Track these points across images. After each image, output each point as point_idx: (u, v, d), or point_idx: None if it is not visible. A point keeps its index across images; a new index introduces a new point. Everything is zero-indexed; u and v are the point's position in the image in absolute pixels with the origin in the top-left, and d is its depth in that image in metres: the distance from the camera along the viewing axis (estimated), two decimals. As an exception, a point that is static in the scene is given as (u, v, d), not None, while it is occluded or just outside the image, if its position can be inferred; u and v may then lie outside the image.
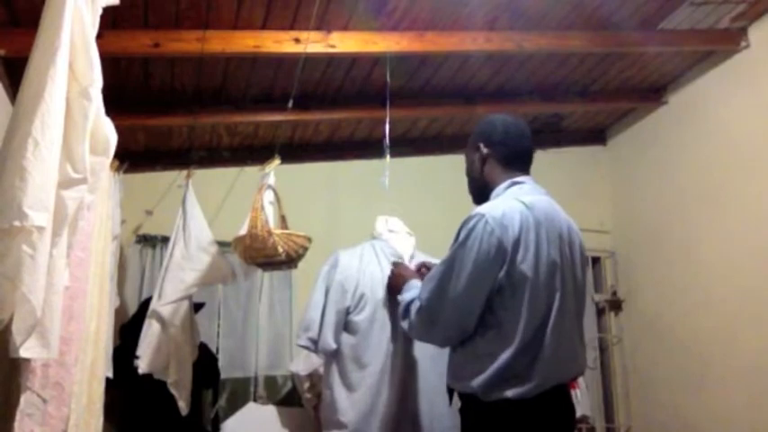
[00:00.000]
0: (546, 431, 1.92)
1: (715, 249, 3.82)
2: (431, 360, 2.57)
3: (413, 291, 2.15)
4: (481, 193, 2.16)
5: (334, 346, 2.58)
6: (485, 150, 2.15)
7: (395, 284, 2.39)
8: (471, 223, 1.95)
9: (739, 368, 3.60)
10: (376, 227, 2.85)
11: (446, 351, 2.42)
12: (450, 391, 2.12)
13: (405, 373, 2.54)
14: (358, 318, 2.59)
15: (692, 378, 3.96)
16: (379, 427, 2.48)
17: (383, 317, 2.59)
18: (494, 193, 2.10)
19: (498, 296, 1.91)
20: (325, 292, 2.64)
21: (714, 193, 3.85)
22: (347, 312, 2.60)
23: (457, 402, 2.09)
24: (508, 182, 2.10)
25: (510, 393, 1.87)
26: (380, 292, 2.60)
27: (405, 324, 2.13)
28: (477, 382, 1.89)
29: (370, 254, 2.73)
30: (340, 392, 2.56)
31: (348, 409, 2.52)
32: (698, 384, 3.90)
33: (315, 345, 2.59)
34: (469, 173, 2.23)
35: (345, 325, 2.61)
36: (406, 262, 2.70)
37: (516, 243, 1.90)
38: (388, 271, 2.62)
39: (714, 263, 3.82)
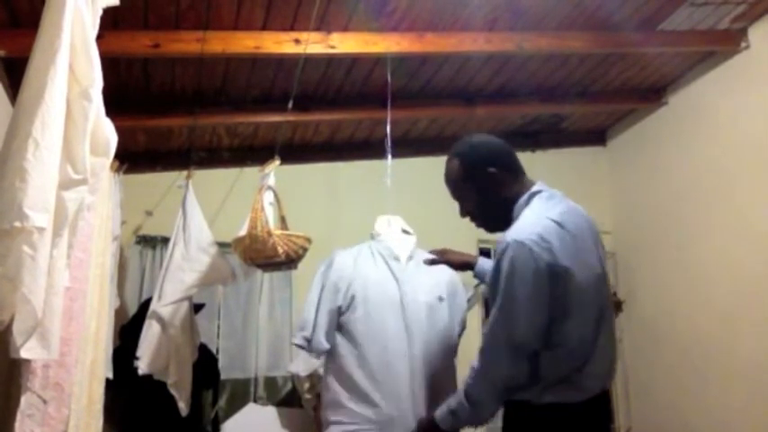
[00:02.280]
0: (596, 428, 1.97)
1: (715, 250, 3.82)
2: (433, 359, 2.58)
3: (449, 405, 2.09)
4: (503, 216, 2.08)
5: (326, 345, 2.60)
6: (493, 171, 2.07)
7: (428, 427, 2.25)
8: (512, 253, 1.88)
9: (739, 369, 3.61)
10: (375, 227, 2.85)
11: (449, 351, 2.43)
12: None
13: (404, 373, 2.54)
14: (352, 318, 2.60)
15: (691, 379, 3.96)
16: (378, 428, 2.49)
17: (378, 317, 2.59)
18: (516, 208, 2.05)
19: (556, 313, 1.89)
20: (319, 291, 2.65)
21: (714, 194, 3.85)
22: (339, 312, 2.61)
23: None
24: (526, 195, 2.05)
25: (564, 398, 1.89)
26: (375, 293, 2.61)
27: (472, 404, 2.01)
28: (535, 390, 1.90)
29: (367, 254, 2.73)
30: (338, 392, 2.56)
31: (347, 410, 2.52)
32: (698, 385, 3.91)
33: (309, 344, 2.61)
34: (482, 204, 2.12)
35: (340, 325, 2.62)
36: (403, 262, 2.71)
37: (564, 263, 1.88)
38: (382, 272, 2.64)
39: (714, 264, 3.82)
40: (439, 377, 2.57)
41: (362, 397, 2.51)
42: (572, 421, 1.91)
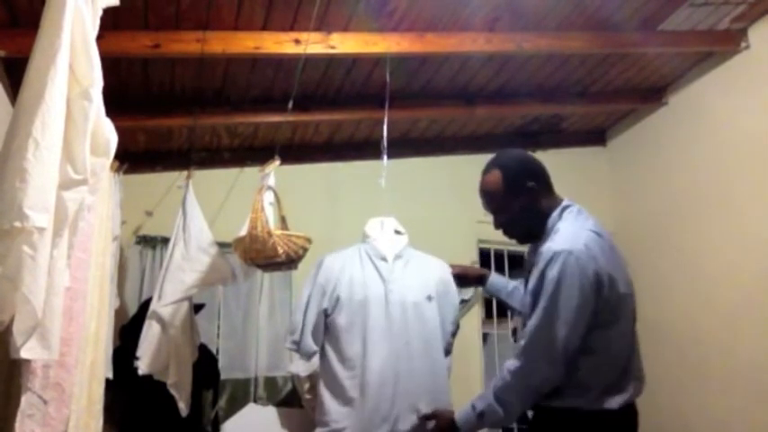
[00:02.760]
0: None
1: (715, 251, 3.82)
2: (421, 359, 2.60)
3: (475, 407, 2.14)
4: (537, 228, 2.15)
5: (314, 348, 2.63)
6: (534, 185, 2.16)
7: (448, 427, 2.31)
8: (559, 264, 1.95)
9: (739, 369, 3.60)
10: (365, 229, 2.87)
11: (438, 350, 2.45)
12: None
13: (389, 373, 2.54)
14: (338, 320, 2.62)
15: (691, 379, 3.96)
16: (361, 428, 2.50)
17: (361, 317, 2.60)
18: (550, 222, 2.13)
19: (602, 319, 1.98)
20: (308, 295, 2.69)
21: (714, 194, 3.85)
22: (325, 314, 2.64)
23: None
24: (559, 209, 2.14)
25: (613, 404, 1.97)
26: (359, 293, 2.63)
27: (502, 403, 2.07)
28: (587, 396, 1.97)
29: (354, 256, 2.76)
30: (325, 394, 2.59)
31: (334, 411, 2.54)
32: (698, 385, 3.91)
33: (297, 347, 2.64)
34: (521, 217, 2.18)
35: (326, 327, 2.65)
36: (389, 261, 2.73)
37: (608, 267, 1.98)
38: (368, 273, 2.68)
39: (714, 264, 3.82)
40: (426, 377, 2.59)
41: (346, 398, 2.53)
42: (613, 428, 2.00)
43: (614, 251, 2.08)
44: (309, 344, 2.62)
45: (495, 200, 2.21)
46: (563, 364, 1.95)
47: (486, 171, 2.23)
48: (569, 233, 2.04)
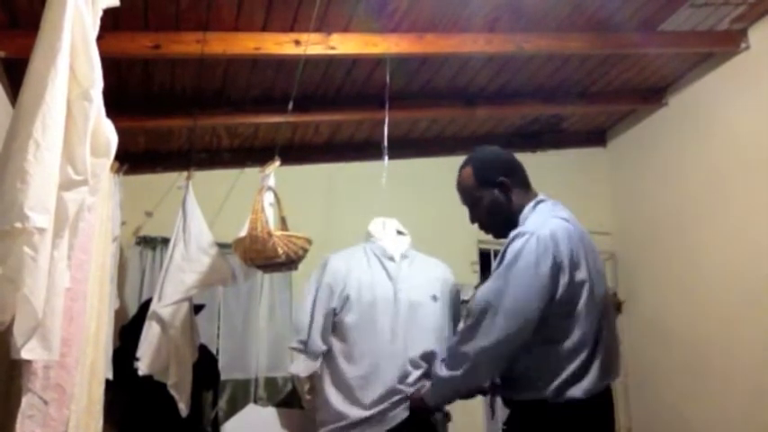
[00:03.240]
0: (603, 427, 2.06)
1: (715, 251, 3.82)
2: (426, 358, 2.59)
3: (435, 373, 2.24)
4: (509, 224, 2.19)
5: (323, 347, 2.63)
6: (505, 180, 2.22)
7: (419, 405, 2.43)
8: (519, 243, 2.01)
9: (739, 370, 3.60)
10: (369, 228, 2.88)
11: (441, 351, 2.47)
12: (494, 402, 2.22)
13: (395, 371, 2.55)
14: (346, 319, 2.62)
15: (691, 379, 3.96)
16: (368, 426, 2.50)
17: (370, 316, 2.61)
18: (522, 216, 2.17)
19: (561, 307, 1.99)
20: (314, 295, 2.69)
21: (714, 195, 3.85)
22: (334, 313, 2.64)
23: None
24: (533, 202, 2.19)
25: (577, 393, 1.96)
26: (368, 293, 2.64)
27: (446, 363, 2.16)
28: (551, 387, 1.96)
29: (360, 255, 2.77)
30: (330, 392, 2.59)
31: (340, 409, 2.54)
32: (698, 385, 3.91)
33: (305, 346, 2.62)
34: (492, 210, 2.24)
35: (334, 327, 2.65)
36: (397, 261, 2.75)
37: (571, 256, 2.00)
38: (376, 272, 2.68)
39: (714, 264, 3.82)
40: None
41: (353, 397, 2.54)
42: (582, 417, 1.98)
43: (584, 241, 2.10)
44: (318, 343, 2.62)
45: (467, 194, 2.29)
46: (503, 336, 1.97)
47: (461, 167, 2.34)
48: (537, 220, 2.10)
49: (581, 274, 2.02)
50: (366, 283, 2.66)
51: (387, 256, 2.76)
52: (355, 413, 2.52)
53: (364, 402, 2.51)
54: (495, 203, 2.23)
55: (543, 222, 2.07)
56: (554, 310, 1.98)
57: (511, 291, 1.98)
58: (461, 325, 2.10)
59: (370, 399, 2.51)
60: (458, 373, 2.10)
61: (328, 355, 2.64)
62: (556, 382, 1.96)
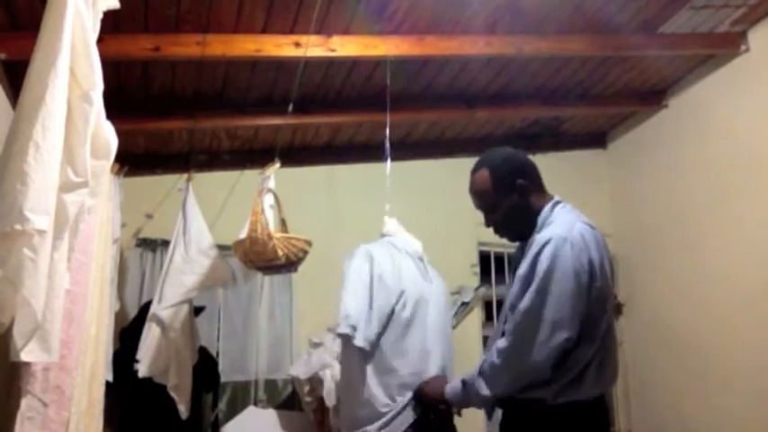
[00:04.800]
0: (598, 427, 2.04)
1: (715, 253, 3.82)
2: (447, 354, 2.71)
3: (462, 380, 2.16)
4: (528, 225, 2.13)
5: (374, 337, 2.61)
6: (523, 182, 2.14)
7: (432, 395, 2.39)
8: (552, 249, 1.95)
9: (739, 372, 3.60)
10: (388, 227, 2.89)
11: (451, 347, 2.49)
12: (492, 405, 2.14)
13: (434, 368, 2.61)
14: (403, 314, 2.65)
15: (692, 381, 3.96)
16: (403, 417, 2.52)
17: (418, 314, 2.67)
18: (541, 218, 2.11)
19: (589, 310, 1.96)
20: (367, 282, 2.66)
21: (714, 197, 3.85)
22: (392, 308, 2.64)
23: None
24: (550, 204, 2.13)
25: (580, 395, 1.94)
26: (415, 289, 2.70)
27: (487, 381, 2.05)
28: (554, 388, 1.94)
29: (395, 252, 2.79)
30: (376, 388, 2.57)
31: (381, 400, 2.55)
32: (698, 387, 3.90)
33: (355, 331, 2.58)
34: (512, 215, 2.16)
35: (387, 320, 2.66)
36: (425, 261, 2.83)
37: (600, 262, 1.99)
38: (414, 270, 2.74)
39: (714, 266, 3.82)
40: (447, 372, 2.68)
41: (397, 388, 2.56)
42: (579, 420, 1.96)
43: (604, 245, 2.09)
44: (374, 332, 2.60)
45: (484, 199, 2.19)
46: (551, 349, 1.91)
47: (475, 170, 2.22)
48: (564, 222, 2.05)
49: (606, 280, 2.01)
50: (412, 280, 2.71)
51: (418, 256, 2.82)
52: (395, 403, 2.55)
53: (405, 393, 2.55)
54: (514, 208, 2.14)
55: (571, 227, 2.01)
56: (587, 316, 1.95)
57: (554, 302, 1.92)
58: (502, 342, 2.00)
59: (407, 394, 2.54)
60: (497, 391, 2.03)
61: (375, 350, 2.62)
62: (561, 384, 1.94)
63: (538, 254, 1.97)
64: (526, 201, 2.13)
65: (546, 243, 1.96)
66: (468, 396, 2.12)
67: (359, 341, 2.57)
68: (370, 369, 2.61)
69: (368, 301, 2.62)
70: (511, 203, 2.14)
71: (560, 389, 1.94)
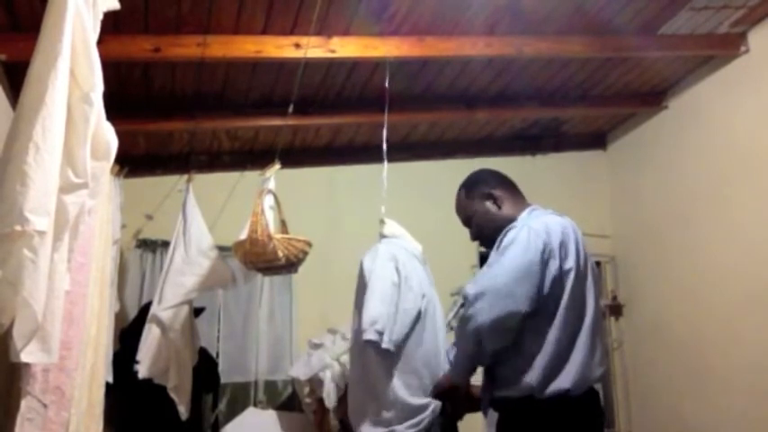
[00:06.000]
0: (591, 424, 2.12)
1: (715, 254, 3.82)
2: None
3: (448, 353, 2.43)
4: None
5: (401, 339, 2.59)
6: (497, 192, 2.34)
7: (442, 385, 2.48)
8: (512, 233, 2.13)
9: (739, 373, 3.60)
10: (392, 229, 2.90)
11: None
12: (486, 405, 2.25)
13: (441, 371, 2.62)
14: (426, 317, 2.67)
15: (692, 383, 3.96)
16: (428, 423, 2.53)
17: (433, 315, 2.70)
18: (518, 222, 2.24)
19: (550, 294, 2.07)
20: (393, 286, 2.65)
21: (714, 198, 3.85)
22: (417, 312, 2.65)
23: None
24: (527, 210, 2.29)
25: (563, 384, 2.02)
26: (429, 291, 2.74)
27: (458, 345, 2.28)
28: (536, 380, 2.02)
29: (410, 255, 2.80)
30: (403, 391, 2.55)
31: (405, 402, 2.54)
32: (698, 389, 3.90)
33: (381, 337, 2.56)
34: (485, 221, 2.36)
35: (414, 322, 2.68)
36: (427, 265, 2.84)
37: (561, 246, 2.11)
38: (425, 272, 2.77)
39: (714, 267, 3.82)
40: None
41: (418, 392, 2.56)
42: (569, 411, 2.03)
43: (576, 237, 2.18)
44: (399, 334, 2.59)
45: (463, 213, 2.43)
46: (499, 314, 2.03)
47: (456, 194, 2.46)
48: (532, 217, 2.22)
49: (569, 263, 2.10)
50: (427, 283, 2.75)
51: (423, 260, 2.84)
52: (419, 403, 2.55)
53: (426, 395, 2.56)
54: (486, 214, 2.34)
55: (536, 219, 2.19)
56: (543, 297, 2.06)
57: (503, 273, 2.06)
58: (462, 310, 2.19)
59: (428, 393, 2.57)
60: (461, 350, 2.23)
61: (400, 352, 2.61)
62: (540, 375, 2.02)
63: (500, 241, 2.16)
64: (499, 209, 2.33)
65: (508, 230, 2.16)
66: (453, 366, 2.35)
67: (386, 344, 2.56)
68: (395, 371, 2.60)
69: (394, 304, 2.62)
70: (484, 211, 2.35)
71: (543, 376, 2.02)
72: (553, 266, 2.07)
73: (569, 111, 4.37)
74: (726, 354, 3.70)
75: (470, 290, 2.12)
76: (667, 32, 3.50)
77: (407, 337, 2.61)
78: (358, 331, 2.66)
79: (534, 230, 2.10)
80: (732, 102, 3.75)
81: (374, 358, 2.61)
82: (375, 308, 2.59)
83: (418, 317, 2.64)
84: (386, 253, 2.74)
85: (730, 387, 3.66)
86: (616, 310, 4.69)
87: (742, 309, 3.60)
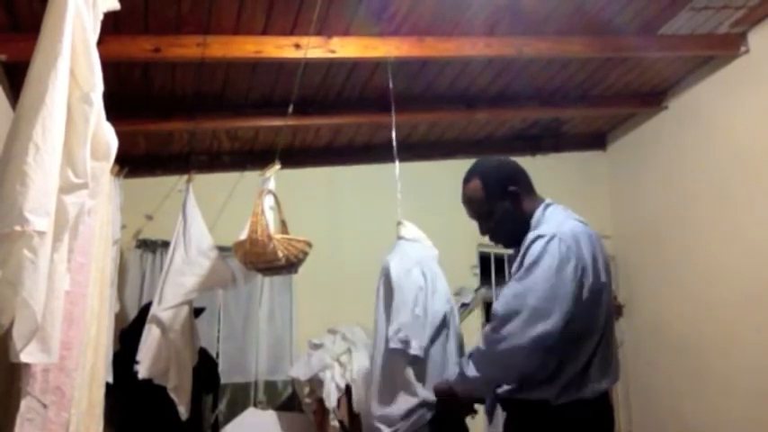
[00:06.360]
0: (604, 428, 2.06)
1: (715, 254, 3.82)
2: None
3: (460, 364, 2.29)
4: (522, 230, 2.14)
5: (427, 344, 2.61)
6: (514, 189, 2.17)
7: (442, 389, 2.42)
8: (540, 245, 1.98)
9: (739, 373, 3.60)
10: (412, 231, 2.91)
11: None
12: (493, 407, 2.19)
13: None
14: (450, 325, 2.69)
15: (692, 382, 3.96)
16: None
17: (455, 320, 2.75)
18: (534, 220, 2.14)
19: (585, 309, 1.97)
20: (422, 292, 2.66)
21: (714, 197, 3.85)
22: (444, 316, 2.67)
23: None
24: (542, 206, 2.16)
25: (584, 394, 1.96)
26: (451, 301, 2.77)
27: (474, 363, 2.12)
28: (557, 387, 1.95)
29: (428, 258, 2.81)
30: (429, 394, 2.54)
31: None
32: (698, 389, 3.90)
33: (407, 345, 2.57)
34: (505, 222, 2.19)
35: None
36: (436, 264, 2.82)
37: (593, 258, 2.00)
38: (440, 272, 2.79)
39: (714, 267, 3.82)
40: None
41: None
42: (583, 419, 1.98)
43: (600, 243, 2.10)
44: (426, 339, 2.60)
45: (477, 208, 2.23)
46: (531, 339, 1.93)
47: (467, 181, 2.26)
48: (555, 220, 2.08)
49: (603, 277, 2.02)
50: (447, 288, 2.78)
51: (437, 261, 2.86)
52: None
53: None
54: (507, 214, 2.18)
55: (561, 224, 2.05)
56: (578, 313, 1.95)
57: (534, 293, 1.94)
58: (487, 328, 2.07)
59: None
60: (485, 374, 2.08)
61: (427, 357, 2.61)
62: (563, 383, 1.95)
63: (527, 249, 2.02)
64: (518, 206, 2.18)
65: (535, 239, 2.01)
66: (463, 383, 2.19)
67: (414, 350, 2.57)
68: (424, 376, 2.60)
69: (423, 310, 2.63)
70: (503, 210, 2.18)
71: (562, 389, 1.95)
72: (587, 282, 1.97)
73: (569, 111, 4.37)
74: (726, 354, 3.70)
75: (500, 308, 2.00)
76: (667, 33, 3.51)
77: (433, 341, 2.63)
78: (383, 336, 2.68)
79: (564, 243, 1.97)
80: (732, 102, 3.75)
81: (400, 364, 2.61)
82: (403, 317, 2.61)
83: (444, 320, 2.65)
84: (411, 257, 2.76)
85: (730, 387, 3.66)
86: (616, 310, 4.68)
87: (742, 309, 3.60)
